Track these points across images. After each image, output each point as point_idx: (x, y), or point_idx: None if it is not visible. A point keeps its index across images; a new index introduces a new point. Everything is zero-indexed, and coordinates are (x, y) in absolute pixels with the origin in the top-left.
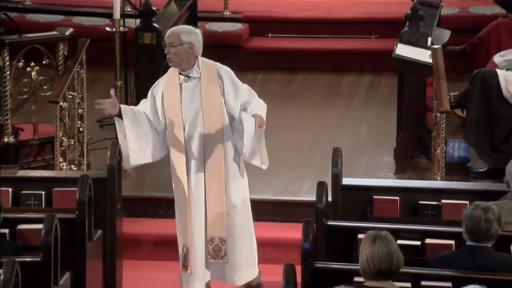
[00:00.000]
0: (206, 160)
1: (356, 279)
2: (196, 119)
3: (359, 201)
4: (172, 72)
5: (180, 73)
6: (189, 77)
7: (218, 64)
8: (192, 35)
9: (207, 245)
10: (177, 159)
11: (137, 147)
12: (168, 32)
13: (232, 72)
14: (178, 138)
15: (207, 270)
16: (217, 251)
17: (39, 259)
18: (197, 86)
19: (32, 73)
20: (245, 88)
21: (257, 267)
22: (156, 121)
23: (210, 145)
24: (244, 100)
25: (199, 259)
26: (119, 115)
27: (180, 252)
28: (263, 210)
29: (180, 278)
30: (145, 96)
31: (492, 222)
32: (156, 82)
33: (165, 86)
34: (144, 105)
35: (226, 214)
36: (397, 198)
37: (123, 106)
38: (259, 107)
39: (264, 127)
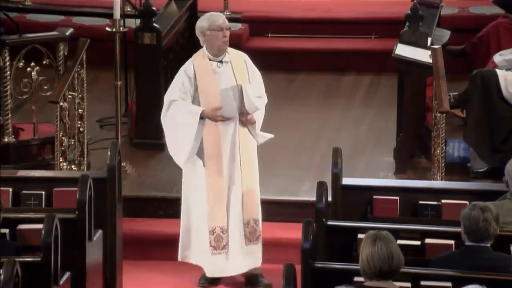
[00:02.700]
0: (240, 142)
1: (356, 279)
2: (231, 102)
3: (359, 201)
4: (200, 59)
5: (210, 59)
6: (221, 62)
7: (239, 51)
8: None
9: (244, 229)
10: (211, 142)
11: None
12: (221, 17)
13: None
14: (213, 123)
15: (243, 255)
16: (253, 233)
17: (39, 259)
18: (229, 70)
19: (32, 73)
20: (260, 78)
21: None
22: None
23: (243, 128)
24: (257, 92)
25: (238, 242)
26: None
27: (209, 235)
28: (263, 210)
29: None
30: (146, 96)
31: (490, 221)
32: (186, 67)
33: (198, 73)
34: (182, 91)
35: (257, 194)
36: (397, 198)
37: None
38: (261, 104)
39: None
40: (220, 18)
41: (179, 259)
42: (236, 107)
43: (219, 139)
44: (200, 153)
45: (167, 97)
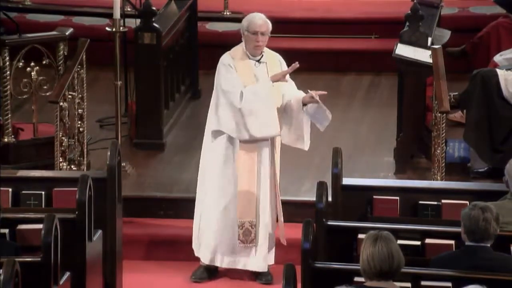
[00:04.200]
0: (274, 141)
1: (356, 279)
2: None
3: (359, 201)
4: (240, 55)
5: (249, 58)
6: (259, 62)
7: (273, 52)
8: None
9: (272, 228)
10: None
11: None
12: (259, 21)
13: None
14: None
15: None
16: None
17: (39, 259)
18: (264, 70)
19: (32, 73)
20: (291, 80)
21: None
22: None
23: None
24: (293, 87)
25: (265, 236)
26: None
27: (238, 229)
28: None
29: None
30: (146, 96)
31: (490, 221)
32: (226, 58)
33: (238, 68)
34: (238, 79)
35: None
36: (397, 198)
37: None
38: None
39: None
40: (259, 23)
41: (209, 262)
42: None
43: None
44: (231, 151)
45: (232, 89)
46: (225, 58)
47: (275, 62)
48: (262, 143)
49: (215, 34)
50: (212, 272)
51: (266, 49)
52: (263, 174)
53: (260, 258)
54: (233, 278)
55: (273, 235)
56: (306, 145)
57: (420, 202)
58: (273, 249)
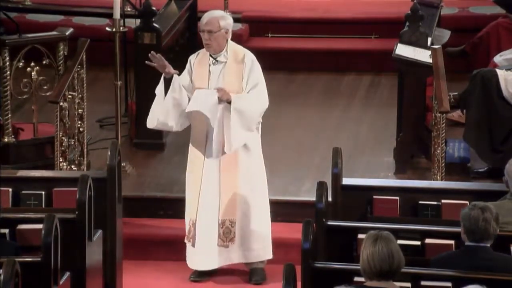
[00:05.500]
0: (224, 140)
1: (356, 279)
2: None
3: (359, 201)
4: (203, 53)
5: (210, 55)
6: (216, 60)
7: (247, 51)
8: (227, 20)
9: (218, 228)
10: (197, 137)
11: (165, 113)
12: (205, 19)
13: (256, 62)
14: (200, 118)
15: (216, 251)
16: (227, 234)
17: (39, 259)
18: (222, 70)
19: (32, 73)
20: (257, 81)
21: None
22: (190, 93)
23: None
24: (248, 90)
25: (208, 238)
26: (168, 78)
27: (187, 225)
28: None
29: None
30: (145, 96)
31: (490, 221)
32: (192, 56)
33: (195, 65)
34: (183, 78)
35: (239, 196)
36: (397, 198)
37: (175, 77)
38: (247, 98)
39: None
40: (203, 21)
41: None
42: (221, 107)
43: (204, 133)
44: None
45: None
46: (192, 55)
47: (237, 59)
48: (206, 141)
49: None
50: (210, 271)
51: (237, 48)
52: (208, 172)
53: (204, 257)
54: (232, 278)
55: (237, 236)
56: (227, 148)
57: (420, 202)
58: (244, 248)
